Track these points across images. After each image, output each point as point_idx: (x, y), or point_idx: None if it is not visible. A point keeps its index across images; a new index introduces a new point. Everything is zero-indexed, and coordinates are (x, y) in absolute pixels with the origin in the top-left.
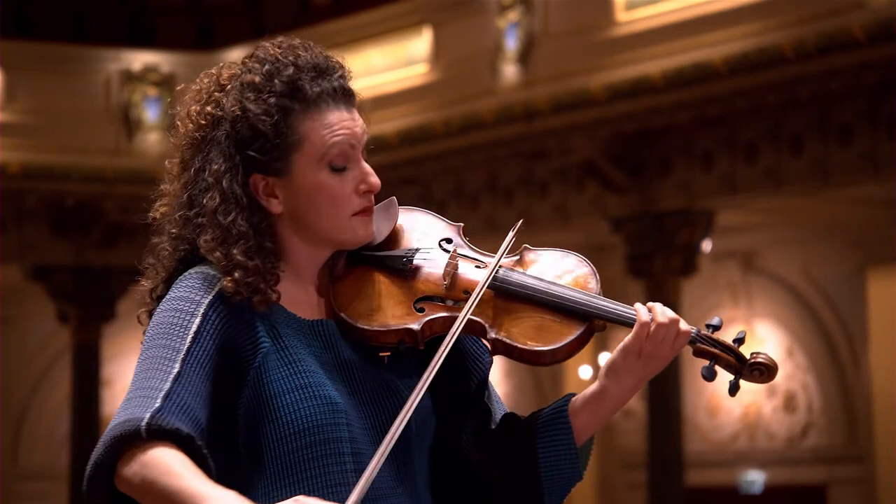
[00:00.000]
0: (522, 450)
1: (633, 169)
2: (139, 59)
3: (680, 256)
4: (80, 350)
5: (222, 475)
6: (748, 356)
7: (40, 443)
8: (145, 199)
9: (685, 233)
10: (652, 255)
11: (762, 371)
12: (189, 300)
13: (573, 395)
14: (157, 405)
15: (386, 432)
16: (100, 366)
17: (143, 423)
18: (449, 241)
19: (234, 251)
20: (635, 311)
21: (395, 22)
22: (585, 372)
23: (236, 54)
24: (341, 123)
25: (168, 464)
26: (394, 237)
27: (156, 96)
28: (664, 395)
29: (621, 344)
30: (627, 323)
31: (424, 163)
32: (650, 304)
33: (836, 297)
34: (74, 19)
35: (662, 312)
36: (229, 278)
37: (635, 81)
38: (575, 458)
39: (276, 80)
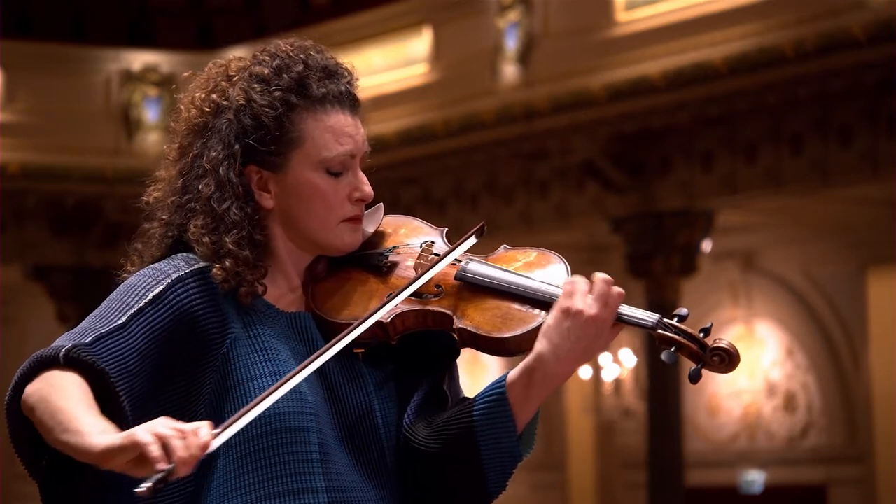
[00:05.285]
0: (458, 421)
1: (633, 169)
2: (139, 59)
3: (680, 256)
4: None
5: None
6: (710, 343)
7: None
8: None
9: (685, 233)
10: (652, 255)
11: (722, 357)
12: (160, 271)
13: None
14: (85, 341)
15: (353, 428)
16: None
17: (63, 350)
18: (432, 243)
19: (226, 239)
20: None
21: (395, 22)
22: (585, 372)
23: (236, 54)
24: (345, 130)
25: (66, 385)
26: (378, 239)
27: (156, 96)
28: (664, 395)
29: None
30: None
31: (424, 163)
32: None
33: (836, 297)
34: (74, 19)
35: (594, 275)
36: (218, 266)
37: (635, 81)
38: (509, 418)
39: (284, 75)
